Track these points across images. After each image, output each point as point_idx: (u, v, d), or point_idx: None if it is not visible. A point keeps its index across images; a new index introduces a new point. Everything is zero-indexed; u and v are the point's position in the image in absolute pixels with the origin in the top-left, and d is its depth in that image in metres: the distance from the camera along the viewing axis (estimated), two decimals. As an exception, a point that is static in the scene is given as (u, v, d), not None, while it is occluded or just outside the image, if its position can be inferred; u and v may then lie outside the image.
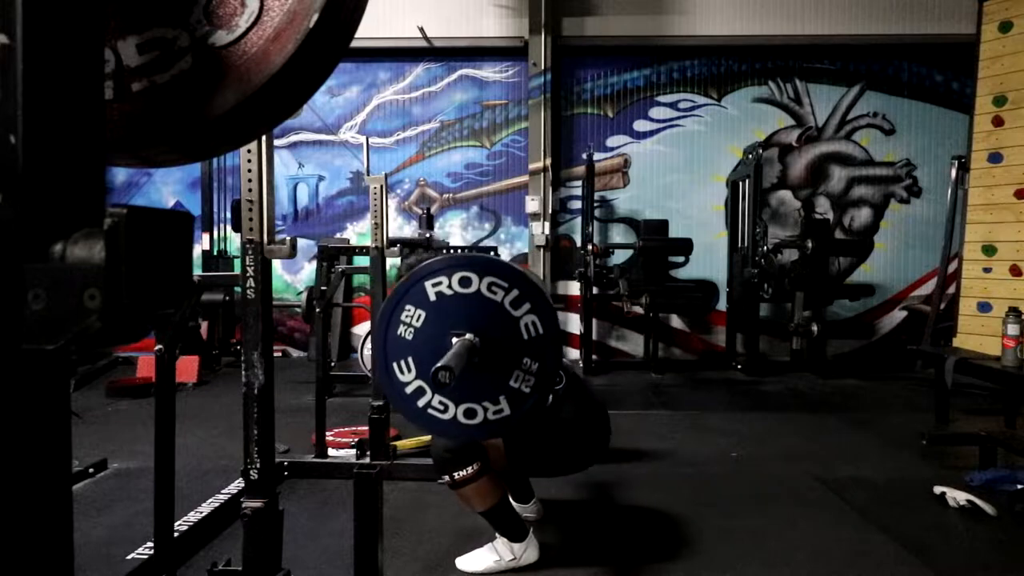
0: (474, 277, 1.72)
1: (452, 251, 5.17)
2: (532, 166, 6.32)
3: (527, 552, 2.14)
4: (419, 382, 1.75)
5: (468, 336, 1.68)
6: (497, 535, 2.16)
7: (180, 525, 2.27)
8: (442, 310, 1.71)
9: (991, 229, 3.88)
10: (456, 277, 1.72)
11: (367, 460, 2.90)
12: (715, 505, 2.71)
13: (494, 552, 2.13)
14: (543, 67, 6.22)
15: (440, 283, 1.71)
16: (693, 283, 6.37)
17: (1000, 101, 3.87)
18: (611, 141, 6.54)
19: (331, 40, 0.74)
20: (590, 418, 2.22)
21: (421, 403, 1.75)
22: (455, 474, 2.06)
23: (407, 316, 1.76)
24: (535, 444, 2.12)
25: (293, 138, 6.61)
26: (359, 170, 6.54)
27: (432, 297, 1.72)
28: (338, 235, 6.64)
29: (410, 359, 1.75)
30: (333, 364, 5.32)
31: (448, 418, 1.74)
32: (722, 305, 6.37)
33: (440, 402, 1.74)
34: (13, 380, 0.44)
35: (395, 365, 1.75)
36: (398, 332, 1.76)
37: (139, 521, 2.43)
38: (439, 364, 1.50)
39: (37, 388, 0.46)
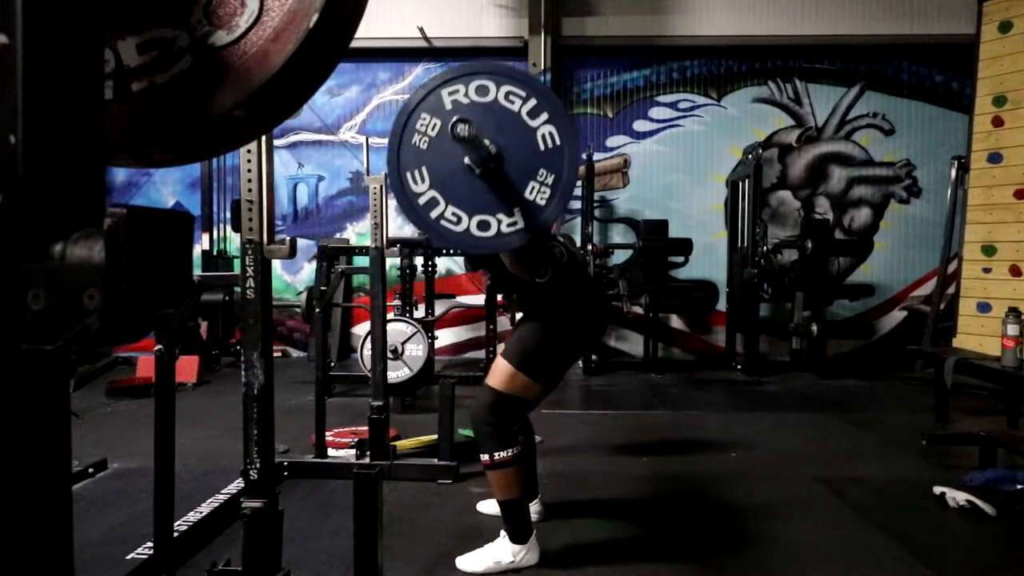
0: (491, 85, 1.69)
1: (452, 253, 5.16)
2: (532, 166, 6.31)
3: (528, 555, 2.13)
4: (433, 192, 1.72)
5: (486, 142, 1.65)
6: (500, 534, 2.16)
7: (180, 525, 2.26)
8: None
9: (991, 229, 3.87)
10: (473, 85, 1.69)
11: (367, 460, 2.91)
12: (715, 505, 2.71)
13: (494, 553, 2.13)
14: (543, 67, 6.22)
15: (457, 91, 1.67)
16: (693, 283, 6.36)
17: (1000, 101, 3.87)
18: (611, 141, 6.54)
19: (331, 40, 0.74)
20: (592, 288, 2.22)
21: (434, 214, 1.72)
22: (495, 454, 2.07)
23: (422, 124, 1.73)
24: (551, 320, 2.10)
25: (293, 138, 6.61)
26: (359, 170, 6.54)
27: (448, 106, 1.68)
28: (338, 235, 6.64)
29: (424, 169, 1.72)
30: (333, 364, 5.32)
31: (461, 230, 1.71)
32: (722, 305, 6.36)
33: (453, 214, 1.71)
34: (13, 380, 0.44)
35: (408, 175, 1.73)
36: (412, 141, 1.72)
37: (139, 521, 2.43)
38: (457, 117, 1.48)
39: (37, 388, 0.46)
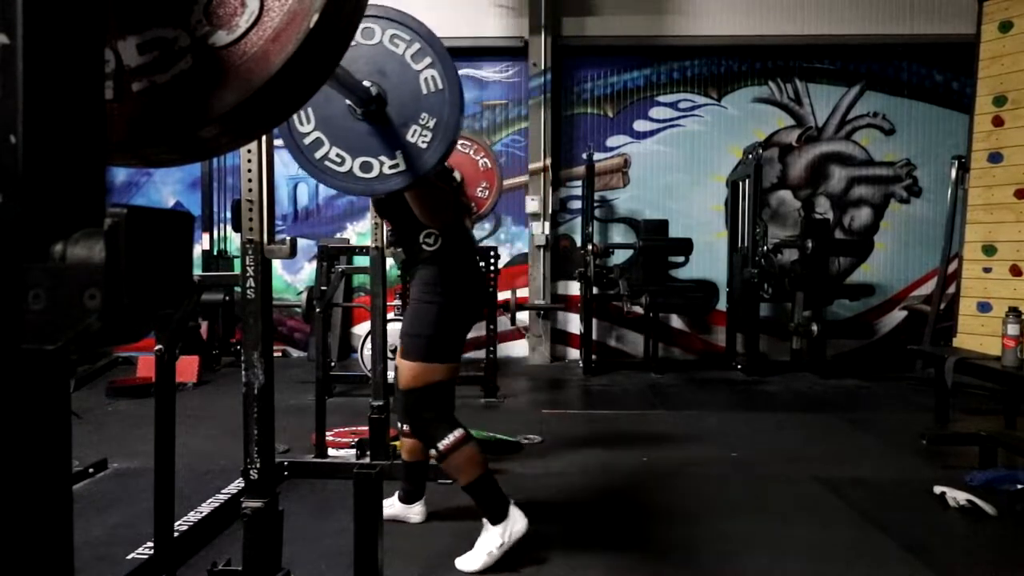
0: (377, 28, 1.72)
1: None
2: (532, 166, 6.32)
3: (514, 527, 2.13)
4: (318, 133, 1.75)
5: (366, 83, 1.67)
6: (484, 524, 2.15)
7: (180, 525, 2.26)
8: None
9: (991, 229, 3.87)
10: (359, 28, 1.73)
11: (367, 460, 2.91)
12: (715, 505, 2.71)
13: (484, 545, 2.12)
14: (543, 67, 6.22)
15: None
16: (693, 283, 6.36)
17: (1000, 101, 3.87)
18: (611, 141, 6.53)
19: (331, 40, 0.74)
20: (473, 269, 2.31)
21: (318, 155, 1.76)
22: (440, 444, 2.10)
23: None
24: (430, 295, 2.15)
25: (293, 138, 6.61)
26: (359, 170, 6.53)
27: None
28: (338, 235, 6.64)
29: (309, 110, 1.75)
30: (333, 364, 5.32)
31: (344, 171, 1.75)
32: (722, 305, 6.36)
33: (337, 154, 1.75)
34: (13, 380, 0.44)
35: (295, 116, 1.75)
36: None
37: (139, 521, 2.43)
38: None
39: (37, 388, 0.46)
